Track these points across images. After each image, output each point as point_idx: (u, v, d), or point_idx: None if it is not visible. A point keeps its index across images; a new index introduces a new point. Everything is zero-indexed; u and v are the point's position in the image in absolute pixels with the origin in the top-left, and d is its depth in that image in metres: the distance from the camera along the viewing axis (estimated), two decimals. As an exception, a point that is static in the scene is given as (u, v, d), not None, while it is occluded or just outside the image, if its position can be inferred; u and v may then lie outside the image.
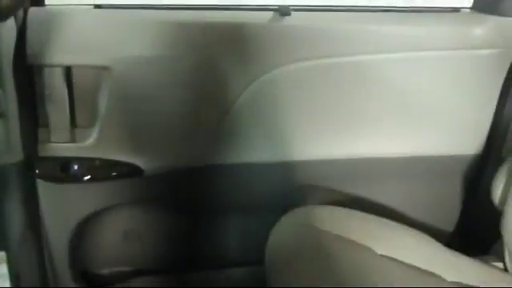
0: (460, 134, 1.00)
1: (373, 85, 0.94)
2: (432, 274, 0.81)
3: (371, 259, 0.80)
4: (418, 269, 0.81)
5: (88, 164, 0.90)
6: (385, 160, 1.00)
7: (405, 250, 0.83)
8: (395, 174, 1.03)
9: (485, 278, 0.86)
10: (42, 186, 0.90)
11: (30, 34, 0.81)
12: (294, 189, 1.00)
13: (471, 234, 1.08)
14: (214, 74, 0.89)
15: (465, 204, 1.08)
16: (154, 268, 1.08)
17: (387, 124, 0.98)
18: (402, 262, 0.81)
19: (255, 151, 0.96)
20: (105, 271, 1.07)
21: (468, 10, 0.98)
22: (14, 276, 0.94)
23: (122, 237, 1.04)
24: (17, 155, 0.85)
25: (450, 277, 0.83)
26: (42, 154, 0.89)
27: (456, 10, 0.98)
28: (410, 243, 0.86)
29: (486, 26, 0.91)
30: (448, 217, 1.09)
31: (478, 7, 0.97)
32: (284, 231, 0.85)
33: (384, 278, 0.77)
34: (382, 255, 0.81)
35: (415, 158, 1.01)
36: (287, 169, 0.99)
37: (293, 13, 0.87)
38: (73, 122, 0.88)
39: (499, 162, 0.95)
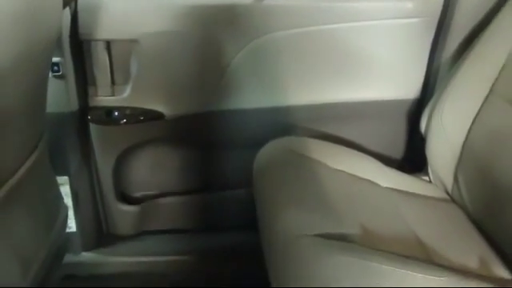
0: (401, 82, 1.30)
1: (333, 47, 1.23)
2: (370, 181, 1.13)
3: (327, 172, 1.11)
4: (360, 178, 1.12)
5: (124, 111, 1.20)
6: (346, 104, 1.29)
7: (352, 166, 1.14)
8: (355, 114, 1.33)
9: (411, 185, 1.18)
10: (92, 128, 1.22)
11: (80, 17, 1.10)
12: (277, 127, 1.29)
13: (413, 160, 1.39)
14: (215, 42, 1.19)
15: (408, 137, 1.39)
16: (172, 191, 1.40)
17: (346, 77, 1.27)
18: (349, 173, 1.12)
19: (247, 99, 1.26)
20: (137, 194, 1.40)
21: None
22: (74, 194, 1.28)
23: (149, 166, 1.36)
24: (74, 106, 1.17)
25: (384, 183, 1.14)
26: (91, 104, 1.19)
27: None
28: (356, 161, 1.18)
29: (416, 1, 1.20)
30: (396, 147, 1.40)
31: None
32: (267, 154, 1.16)
33: (335, 183, 1.08)
34: (335, 169, 1.13)
35: (369, 102, 1.30)
36: (272, 112, 1.29)
37: None
38: (113, 81, 1.18)
39: (431, 103, 1.26)
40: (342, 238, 0.88)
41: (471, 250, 0.97)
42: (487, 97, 1.07)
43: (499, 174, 1.00)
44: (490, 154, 1.04)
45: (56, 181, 1.14)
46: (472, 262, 0.93)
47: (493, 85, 1.06)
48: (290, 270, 0.83)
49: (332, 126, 1.34)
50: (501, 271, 0.92)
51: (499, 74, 1.06)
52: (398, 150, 1.41)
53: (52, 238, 1.07)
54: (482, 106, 1.07)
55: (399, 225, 1.01)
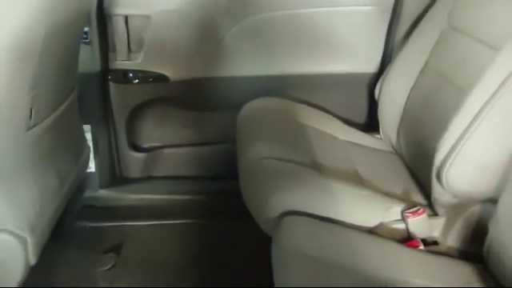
0: (362, 58, 1.59)
1: (308, 28, 1.52)
2: (330, 135, 1.43)
3: (295, 125, 1.40)
4: (321, 131, 1.41)
5: (137, 74, 1.50)
6: (317, 75, 1.59)
7: (317, 123, 1.43)
8: (324, 84, 1.61)
9: (365, 140, 1.47)
10: (111, 86, 1.52)
11: (105, -5, 1.41)
12: (261, 92, 1.56)
13: (371, 122, 1.67)
14: (212, 20, 1.48)
15: (368, 103, 1.68)
16: (173, 144, 1.70)
17: (318, 53, 1.56)
18: (313, 127, 1.41)
19: (237, 68, 1.56)
20: (145, 144, 1.70)
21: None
22: (94, 141, 1.58)
23: (155, 122, 1.67)
24: (97, 67, 1.46)
25: (342, 137, 1.44)
26: (111, 67, 1.49)
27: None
28: (321, 119, 1.47)
29: (373, -8, 1.49)
30: (358, 112, 1.68)
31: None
32: (248, 110, 1.45)
33: (300, 132, 1.37)
34: (302, 123, 1.42)
35: (336, 74, 1.59)
36: (257, 79, 1.58)
37: None
38: (129, 49, 1.47)
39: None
40: (297, 164, 1.17)
41: (398, 184, 1.25)
42: (423, 68, 1.35)
43: (424, 129, 1.27)
44: (421, 114, 1.32)
45: (82, 125, 1.44)
46: (396, 191, 1.22)
47: (427, 58, 1.35)
48: (254, 182, 1.13)
49: (305, 93, 1.62)
50: (418, 198, 1.21)
51: (432, 49, 1.34)
52: (359, 114, 1.69)
53: (79, 167, 1.38)
54: (418, 75, 1.36)
55: (345, 164, 1.30)
